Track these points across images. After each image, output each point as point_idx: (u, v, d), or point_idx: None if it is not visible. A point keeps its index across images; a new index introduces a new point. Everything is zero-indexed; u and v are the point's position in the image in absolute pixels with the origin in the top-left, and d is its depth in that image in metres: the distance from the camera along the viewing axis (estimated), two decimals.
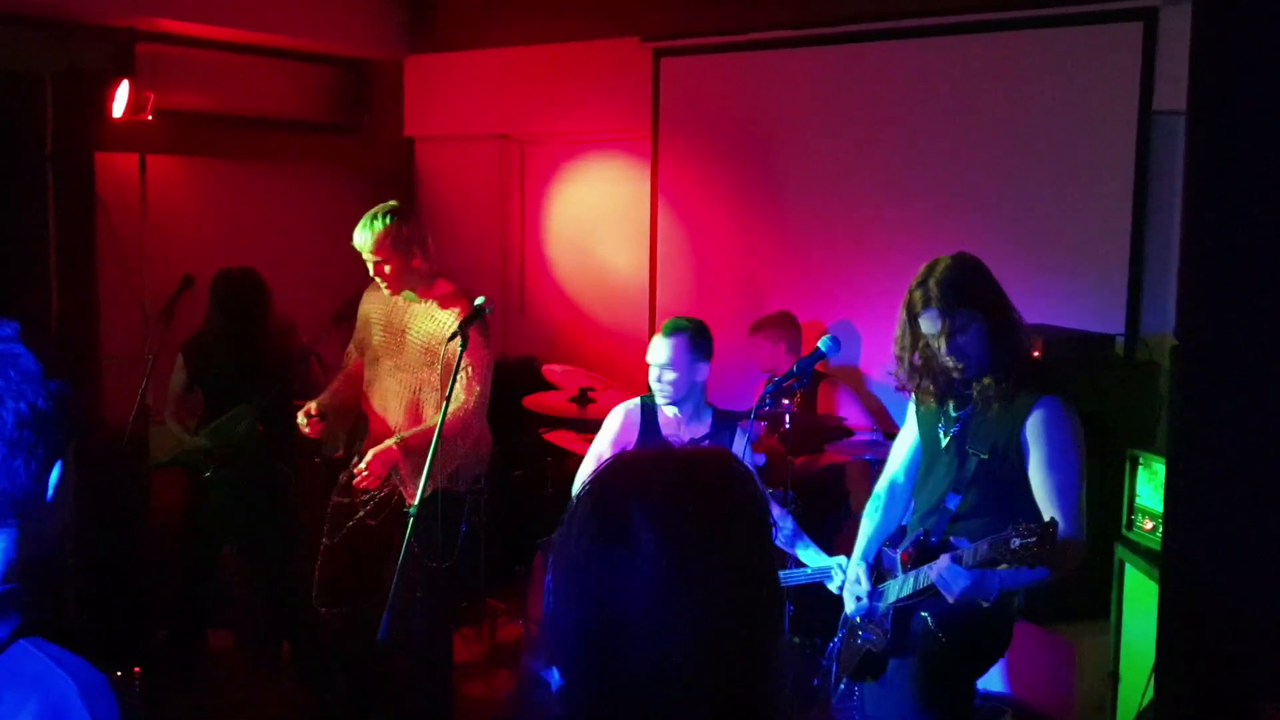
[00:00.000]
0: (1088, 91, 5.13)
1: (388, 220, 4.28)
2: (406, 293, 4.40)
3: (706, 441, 4.08)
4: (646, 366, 4.23)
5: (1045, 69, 5.26)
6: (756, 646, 1.32)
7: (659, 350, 4.04)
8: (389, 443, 4.21)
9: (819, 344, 4.07)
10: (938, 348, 3.11)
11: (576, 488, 4.25)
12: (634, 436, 4.14)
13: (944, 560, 2.94)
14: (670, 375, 4.02)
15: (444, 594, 4.43)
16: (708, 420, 4.16)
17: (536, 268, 7.35)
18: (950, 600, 2.95)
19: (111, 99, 5.92)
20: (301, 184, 7.26)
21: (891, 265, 5.53)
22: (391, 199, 6.50)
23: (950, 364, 3.12)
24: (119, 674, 4.48)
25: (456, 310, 4.28)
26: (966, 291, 3.08)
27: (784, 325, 5.62)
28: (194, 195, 6.81)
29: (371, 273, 4.37)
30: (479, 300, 4.12)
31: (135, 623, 5.23)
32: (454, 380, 3.91)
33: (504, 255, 7.43)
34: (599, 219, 7.03)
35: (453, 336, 3.98)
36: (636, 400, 4.24)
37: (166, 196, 6.63)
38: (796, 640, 4.90)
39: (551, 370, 5.65)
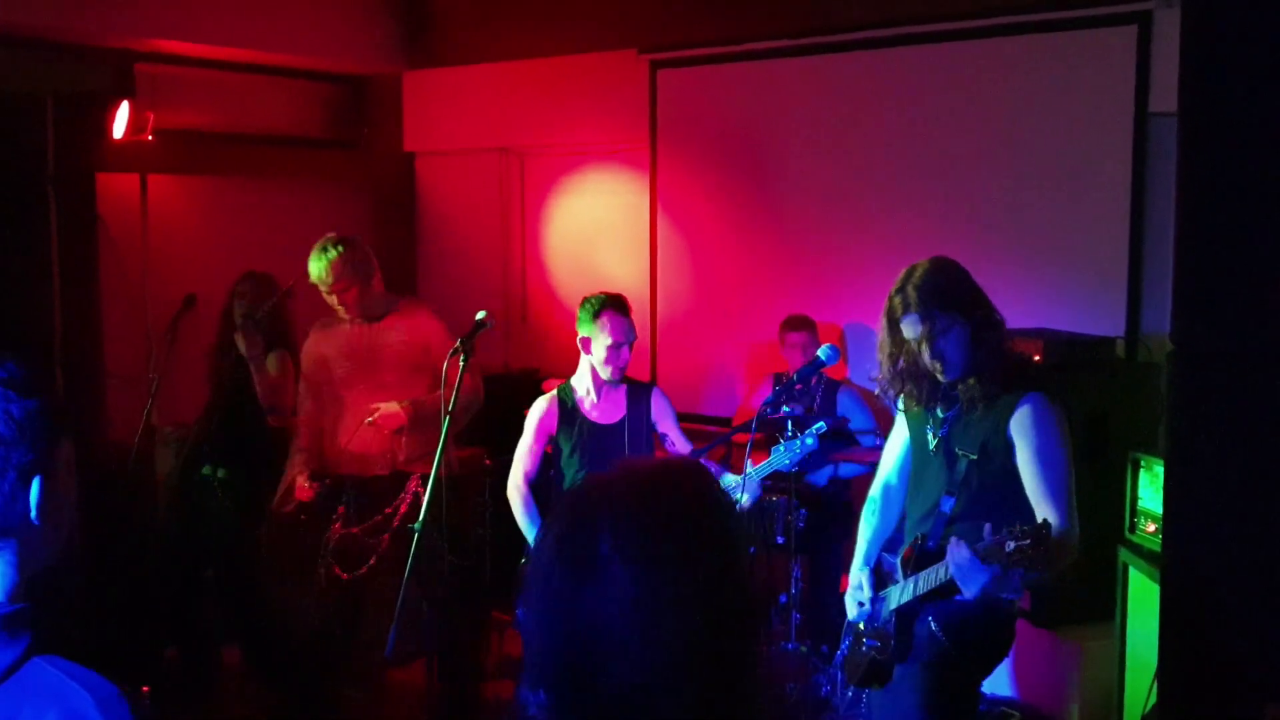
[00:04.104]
0: (1084, 95, 5.15)
1: (340, 249, 4.42)
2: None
3: (625, 409, 4.43)
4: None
5: (1042, 73, 5.27)
6: (735, 658, 1.32)
7: (628, 329, 4.30)
8: (395, 406, 4.29)
9: (819, 352, 4.09)
10: (920, 351, 3.14)
11: (510, 486, 4.41)
12: (554, 422, 4.45)
13: (964, 553, 2.87)
14: (629, 352, 4.34)
15: (468, 598, 4.53)
16: (622, 389, 4.44)
17: (537, 279, 7.37)
18: (970, 596, 2.91)
19: (112, 120, 5.95)
20: (303, 200, 7.28)
21: (890, 271, 5.51)
22: (393, 214, 6.56)
23: (934, 367, 3.14)
24: (127, 689, 4.49)
25: (422, 314, 4.42)
26: (945, 295, 3.10)
27: (813, 325, 5.60)
28: (195, 214, 6.83)
29: (335, 303, 4.49)
30: (480, 314, 4.19)
31: (144, 641, 5.24)
32: (457, 389, 3.99)
33: (505, 267, 7.45)
34: (599, 230, 7.05)
35: (454, 351, 4.02)
36: (552, 393, 4.52)
37: (168, 216, 6.65)
38: (803, 648, 4.91)
39: (551, 385, 5.65)
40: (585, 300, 4.34)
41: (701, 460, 4.42)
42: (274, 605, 5.16)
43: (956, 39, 5.49)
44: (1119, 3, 5.03)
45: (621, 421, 4.44)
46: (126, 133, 6.02)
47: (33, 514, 1.43)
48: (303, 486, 4.59)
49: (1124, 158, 5.05)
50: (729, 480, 4.26)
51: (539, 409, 4.50)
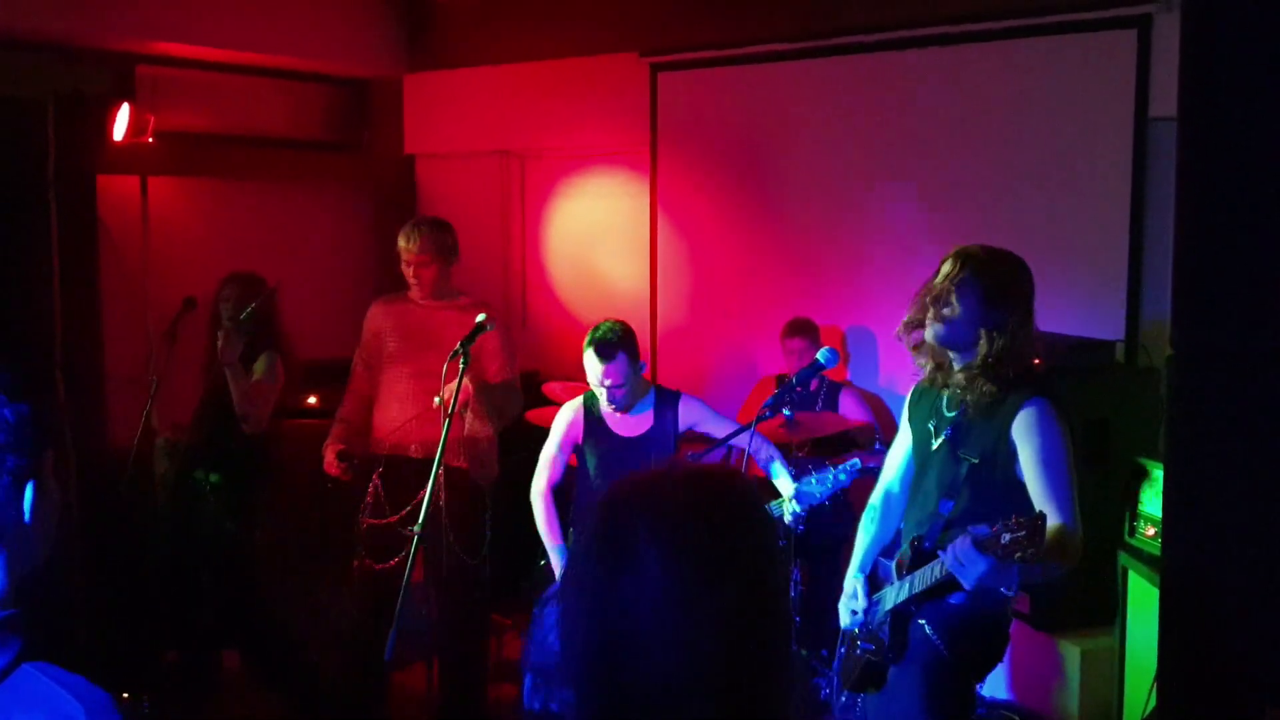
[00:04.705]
0: (1084, 99, 5.14)
1: (431, 227, 4.63)
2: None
3: (651, 421, 4.32)
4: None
5: (1041, 77, 5.27)
6: (766, 664, 1.33)
7: (603, 372, 4.18)
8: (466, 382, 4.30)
9: (818, 355, 4.09)
10: (929, 292, 3.13)
11: (533, 492, 4.36)
12: (579, 431, 4.37)
13: (964, 542, 2.83)
14: (618, 391, 4.22)
15: (481, 598, 4.61)
16: (650, 399, 4.36)
17: (538, 282, 7.37)
18: (967, 586, 2.88)
19: (112, 122, 5.95)
20: (303, 203, 7.28)
21: (890, 274, 5.55)
22: (393, 216, 6.56)
23: (931, 311, 3.12)
24: (125, 695, 4.49)
25: (484, 315, 4.36)
26: (985, 265, 3.12)
27: (814, 330, 5.60)
28: (196, 216, 6.84)
29: (410, 275, 4.61)
30: (480, 317, 4.18)
31: (145, 645, 5.23)
32: (456, 390, 3.99)
33: (505, 270, 7.45)
34: (599, 233, 7.05)
35: (454, 354, 4.01)
36: (579, 399, 4.44)
37: (168, 218, 6.66)
38: (804, 652, 4.90)
39: (552, 389, 5.65)
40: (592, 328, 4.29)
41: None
42: (276, 606, 5.14)
43: (956, 42, 5.49)
44: (1119, 6, 5.03)
45: (646, 435, 4.32)
46: (127, 135, 6.03)
47: (26, 517, 1.44)
48: (331, 462, 4.62)
49: (1124, 162, 5.04)
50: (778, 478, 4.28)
51: (565, 418, 4.40)
